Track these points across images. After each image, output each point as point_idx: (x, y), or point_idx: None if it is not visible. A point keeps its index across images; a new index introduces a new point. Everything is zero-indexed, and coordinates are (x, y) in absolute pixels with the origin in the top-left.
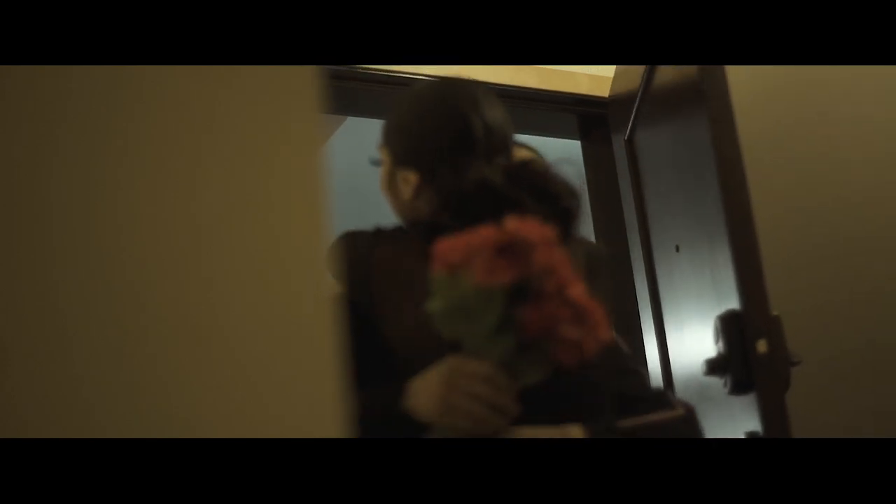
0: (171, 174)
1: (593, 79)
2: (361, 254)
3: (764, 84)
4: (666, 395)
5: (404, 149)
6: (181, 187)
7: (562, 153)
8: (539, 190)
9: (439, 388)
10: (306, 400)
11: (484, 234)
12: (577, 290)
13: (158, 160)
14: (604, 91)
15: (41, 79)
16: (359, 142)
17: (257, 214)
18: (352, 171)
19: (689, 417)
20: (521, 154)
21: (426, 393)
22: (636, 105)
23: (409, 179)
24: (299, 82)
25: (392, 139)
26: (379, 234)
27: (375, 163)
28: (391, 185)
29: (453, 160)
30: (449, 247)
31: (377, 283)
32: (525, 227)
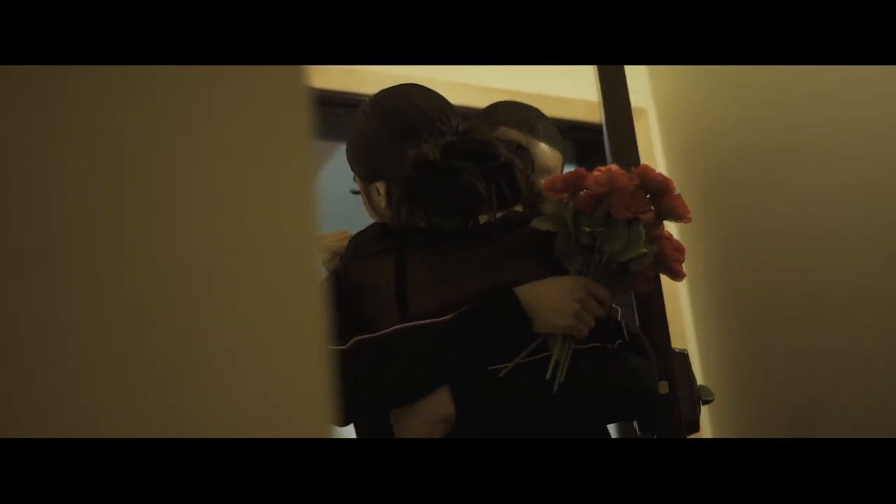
0: (161, 178)
1: (589, 105)
2: (335, 274)
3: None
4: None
5: (365, 164)
6: (172, 191)
7: None
8: (476, 153)
9: (572, 304)
10: (294, 402)
11: (624, 174)
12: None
13: (149, 163)
14: (600, 117)
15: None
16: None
17: (246, 223)
18: (347, 196)
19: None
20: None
21: (557, 307)
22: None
23: (380, 189)
24: (290, 94)
25: (355, 162)
26: (349, 247)
27: (355, 192)
28: (371, 204)
29: (400, 153)
30: (591, 180)
31: (356, 296)
32: (654, 172)
